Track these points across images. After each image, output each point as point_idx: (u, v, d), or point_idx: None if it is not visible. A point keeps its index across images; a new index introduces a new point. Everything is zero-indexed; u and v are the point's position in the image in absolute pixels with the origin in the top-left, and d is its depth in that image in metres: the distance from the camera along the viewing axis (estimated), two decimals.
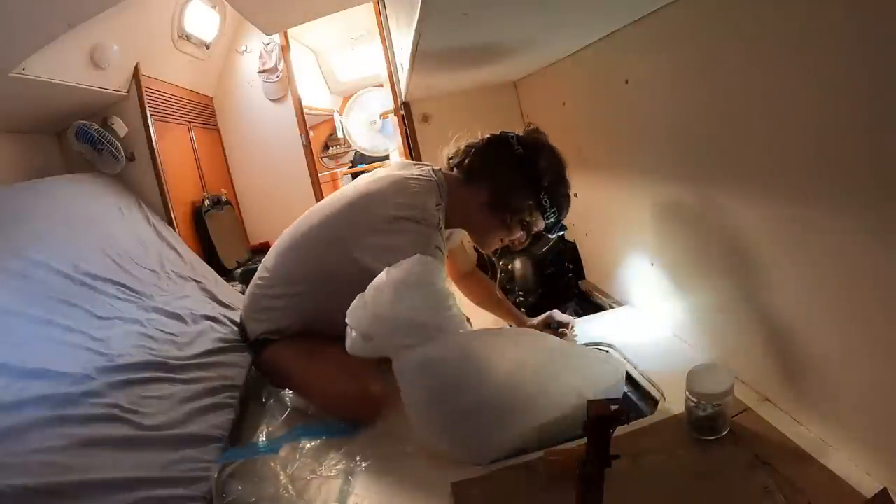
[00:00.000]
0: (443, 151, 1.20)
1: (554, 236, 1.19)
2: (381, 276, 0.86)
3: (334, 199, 1.13)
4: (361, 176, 1.22)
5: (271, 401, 1.16)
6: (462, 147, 1.15)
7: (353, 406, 1.05)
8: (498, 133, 1.14)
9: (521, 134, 1.13)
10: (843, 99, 0.59)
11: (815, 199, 0.68)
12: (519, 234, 1.16)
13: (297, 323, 1.15)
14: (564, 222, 1.17)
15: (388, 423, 1.03)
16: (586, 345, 1.22)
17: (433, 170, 1.13)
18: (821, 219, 0.67)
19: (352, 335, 0.87)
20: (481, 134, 1.16)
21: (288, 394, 1.18)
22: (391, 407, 1.06)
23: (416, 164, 1.17)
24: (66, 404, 0.93)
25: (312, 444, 0.99)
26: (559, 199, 1.11)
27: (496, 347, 0.89)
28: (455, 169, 1.16)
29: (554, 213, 1.11)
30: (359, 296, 0.87)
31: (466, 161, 1.13)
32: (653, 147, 1.10)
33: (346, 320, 0.87)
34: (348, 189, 1.14)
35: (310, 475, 0.92)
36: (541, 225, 1.14)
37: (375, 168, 1.25)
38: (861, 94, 0.57)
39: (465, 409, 0.83)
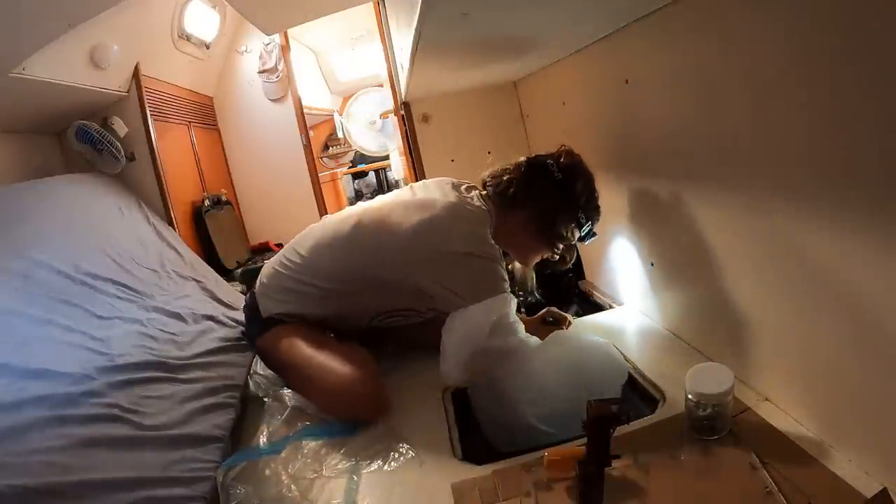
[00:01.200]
0: (479, 176, 1.22)
1: (587, 243, 1.24)
2: (478, 317, 1.01)
3: (390, 208, 1.13)
4: (412, 188, 1.20)
5: (270, 400, 1.16)
6: (504, 179, 1.16)
7: (359, 404, 1.05)
8: (535, 158, 1.17)
9: (559, 158, 1.16)
10: (842, 100, 0.59)
11: (816, 199, 0.68)
12: (560, 250, 1.21)
13: (319, 314, 1.16)
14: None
15: (389, 423, 1.03)
16: None
17: (480, 195, 1.15)
18: (819, 219, 0.67)
19: (449, 365, 1.04)
20: (516, 159, 1.19)
21: (287, 392, 1.18)
22: (390, 407, 1.07)
23: (464, 185, 1.18)
24: (67, 404, 0.93)
25: (314, 444, 0.99)
26: (593, 212, 1.18)
27: (553, 357, 1.07)
28: (496, 196, 1.17)
29: (589, 225, 1.17)
30: (456, 335, 1.03)
31: (511, 191, 1.14)
32: (652, 147, 1.10)
33: (448, 356, 1.04)
34: (402, 202, 1.13)
35: (312, 475, 0.92)
36: (577, 236, 1.19)
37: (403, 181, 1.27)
38: (859, 93, 0.57)
39: (564, 406, 0.94)
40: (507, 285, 1.06)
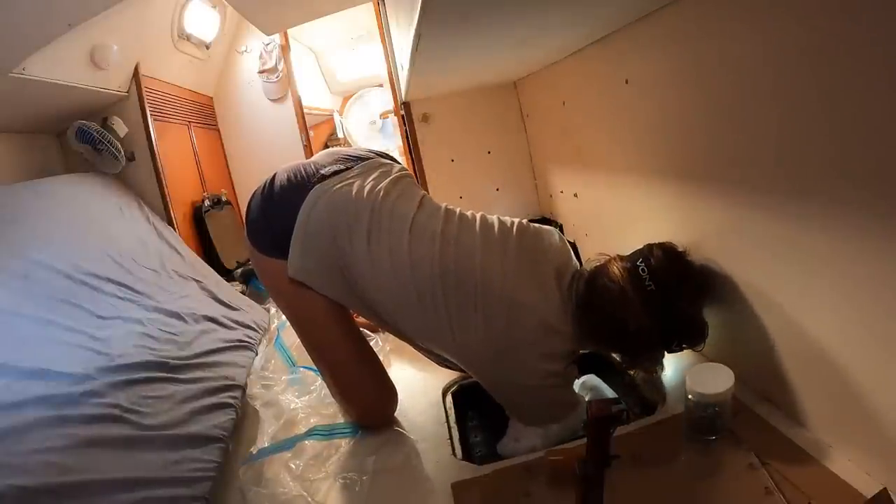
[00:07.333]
0: (587, 263, 1.00)
1: None
2: (546, 440, 0.92)
3: (484, 283, 0.90)
4: (518, 241, 0.97)
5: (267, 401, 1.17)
6: (610, 313, 0.87)
7: (372, 416, 1.07)
8: (673, 313, 0.85)
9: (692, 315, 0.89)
10: (845, 99, 0.59)
11: (814, 198, 0.68)
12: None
13: (352, 307, 1.03)
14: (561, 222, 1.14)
15: (391, 423, 1.05)
16: None
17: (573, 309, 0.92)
18: (818, 219, 0.67)
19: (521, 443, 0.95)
20: (631, 292, 0.85)
21: (286, 397, 1.18)
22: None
23: (567, 280, 0.96)
24: (67, 404, 0.93)
25: (319, 444, 1.00)
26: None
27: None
28: (588, 327, 0.92)
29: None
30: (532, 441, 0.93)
31: (612, 341, 0.92)
32: (652, 147, 1.10)
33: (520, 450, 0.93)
34: (500, 284, 0.90)
35: (319, 474, 0.93)
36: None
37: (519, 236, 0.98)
38: (861, 91, 0.57)
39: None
40: (577, 401, 0.97)
